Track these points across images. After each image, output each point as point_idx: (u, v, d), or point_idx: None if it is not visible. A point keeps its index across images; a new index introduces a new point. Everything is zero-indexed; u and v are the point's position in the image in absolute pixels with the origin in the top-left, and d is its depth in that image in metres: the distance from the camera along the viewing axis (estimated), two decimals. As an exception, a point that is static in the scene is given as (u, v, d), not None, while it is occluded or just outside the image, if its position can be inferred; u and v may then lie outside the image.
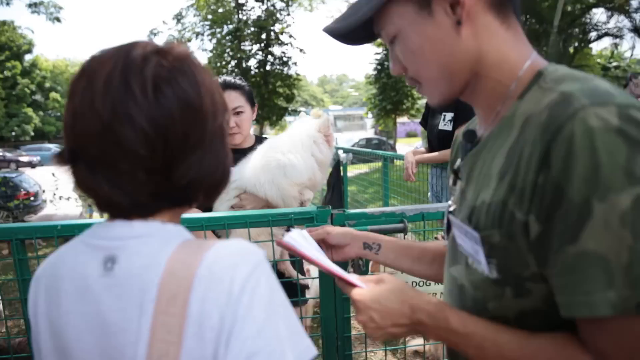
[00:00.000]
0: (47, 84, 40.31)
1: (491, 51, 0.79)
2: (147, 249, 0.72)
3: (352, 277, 0.88)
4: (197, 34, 17.91)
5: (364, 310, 0.82)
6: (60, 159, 0.73)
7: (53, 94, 40.33)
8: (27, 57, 40.51)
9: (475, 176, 0.84)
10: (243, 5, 17.75)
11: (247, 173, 1.99)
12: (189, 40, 17.85)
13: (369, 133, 40.65)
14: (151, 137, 0.69)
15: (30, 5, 15.08)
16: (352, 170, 8.13)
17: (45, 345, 0.77)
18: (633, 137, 0.60)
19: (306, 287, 2.30)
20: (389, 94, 21.79)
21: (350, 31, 0.87)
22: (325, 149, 1.98)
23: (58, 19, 15.76)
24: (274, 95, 18.40)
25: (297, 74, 19.30)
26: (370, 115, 26.63)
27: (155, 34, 18.07)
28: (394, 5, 0.82)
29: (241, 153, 2.19)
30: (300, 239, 1.09)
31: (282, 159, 1.93)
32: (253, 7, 17.88)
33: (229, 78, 2.23)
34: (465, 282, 0.84)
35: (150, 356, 0.66)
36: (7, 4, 14.53)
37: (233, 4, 17.70)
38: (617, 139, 0.60)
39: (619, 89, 0.68)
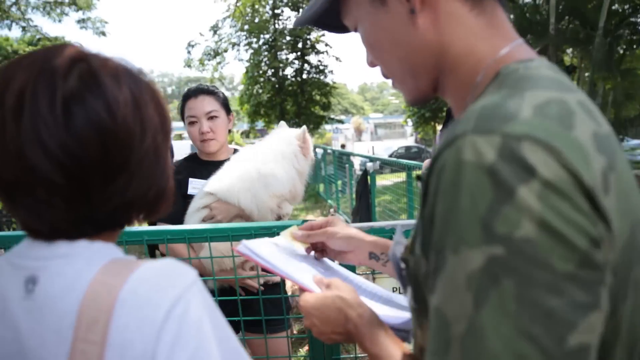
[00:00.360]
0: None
1: (455, 41, 0.67)
2: (70, 270, 0.66)
3: (306, 282, 0.90)
4: (234, 44, 18.23)
5: (307, 315, 0.85)
6: None
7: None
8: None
9: None
10: (279, 15, 17.98)
11: (220, 181, 1.89)
12: (225, 50, 18.22)
13: (409, 141, 40.15)
14: (65, 165, 0.63)
15: (78, 22, 15.80)
16: (390, 179, 7.99)
17: None
18: (504, 182, 0.47)
19: (291, 308, 2.20)
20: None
21: (315, 21, 0.81)
22: (302, 160, 1.90)
23: (104, 33, 16.42)
24: (310, 104, 18.50)
25: (334, 82, 19.33)
26: (409, 123, 26.32)
27: (192, 46, 18.55)
28: None
29: (217, 166, 2.06)
30: (261, 246, 1.04)
31: (263, 169, 1.84)
32: (289, 17, 18.09)
33: (202, 85, 2.21)
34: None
35: None
36: (60, 21, 15.33)
37: (269, 14, 17.96)
38: (485, 180, 0.47)
39: (549, 110, 0.52)
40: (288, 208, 1.92)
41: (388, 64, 0.76)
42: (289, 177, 1.86)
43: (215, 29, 18.41)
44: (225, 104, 2.20)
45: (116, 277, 0.64)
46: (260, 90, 18.13)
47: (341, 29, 0.84)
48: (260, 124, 19.73)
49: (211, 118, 2.12)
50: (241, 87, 20.10)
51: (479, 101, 0.58)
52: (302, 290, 0.90)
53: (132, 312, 0.62)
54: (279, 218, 1.89)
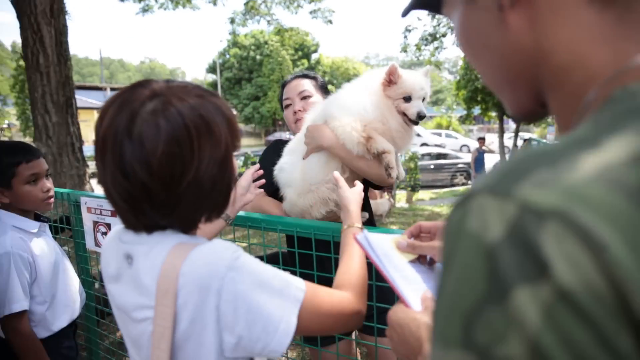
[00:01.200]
0: (327, 77, 46.47)
1: (560, 47, 0.49)
2: (151, 254, 0.93)
3: (406, 293, 0.88)
4: (452, 28, 17.59)
5: (390, 327, 0.87)
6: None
7: (330, 87, 46.25)
8: (314, 56, 47.41)
9: None
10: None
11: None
12: (444, 35, 17.70)
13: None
14: (128, 186, 0.88)
15: (310, 12, 17.31)
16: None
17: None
18: (500, 275, 0.33)
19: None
20: None
21: (421, 4, 0.70)
22: (393, 93, 1.82)
23: (331, 22, 17.72)
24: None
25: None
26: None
27: (409, 31, 18.56)
28: None
29: None
30: (380, 242, 1.03)
31: (339, 97, 1.88)
32: None
33: (300, 71, 2.23)
34: None
35: (154, 335, 0.89)
36: (296, 13, 17.15)
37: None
38: (480, 265, 0.35)
39: (631, 175, 0.33)
40: (383, 144, 1.74)
41: (481, 70, 0.62)
42: (374, 106, 1.77)
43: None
44: (322, 87, 2.18)
45: (178, 258, 0.89)
46: (480, 76, 17.13)
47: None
48: (477, 110, 18.77)
49: (304, 98, 2.10)
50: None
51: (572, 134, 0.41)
52: (400, 299, 0.89)
53: (191, 283, 0.87)
54: (377, 155, 1.77)
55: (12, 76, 26.93)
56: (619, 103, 0.42)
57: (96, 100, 42.85)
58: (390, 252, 1.01)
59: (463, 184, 16.17)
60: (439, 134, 26.18)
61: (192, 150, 0.87)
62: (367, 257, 1.00)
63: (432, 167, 16.43)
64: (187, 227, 0.98)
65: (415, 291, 0.89)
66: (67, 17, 6.08)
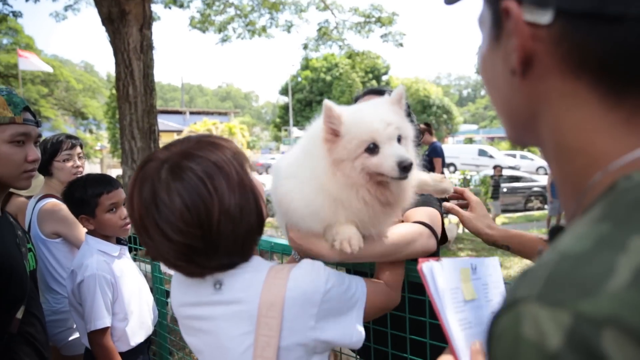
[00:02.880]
0: (396, 100, 46.20)
1: (564, 131, 0.52)
2: (246, 275, 1.09)
3: (458, 343, 0.83)
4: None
5: None
6: None
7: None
8: (384, 78, 47.52)
9: None
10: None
11: None
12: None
13: None
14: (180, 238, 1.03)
15: (382, 36, 17.46)
16: None
17: None
18: None
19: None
20: None
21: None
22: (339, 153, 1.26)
23: (401, 44, 17.74)
24: None
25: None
26: None
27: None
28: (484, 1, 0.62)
29: None
30: (445, 276, 0.91)
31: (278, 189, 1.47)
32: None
33: (376, 86, 1.95)
34: None
35: (257, 345, 1.01)
36: (367, 37, 17.36)
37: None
38: None
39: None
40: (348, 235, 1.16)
41: (490, 97, 0.64)
42: (318, 192, 1.13)
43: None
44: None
45: (281, 277, 1.05)
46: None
47: None
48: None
49: None
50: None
51: (564, 240, 0.44)
52: (449, 347, 0.88)
53: (297, 297, 1.02)
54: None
55: (105, 103, 29.50)
56: (626, 193, 0.44)
57: (176, 123, 45.71)
58: (457, 285, 0.96)
59: (538, 208, 15.31)
60: (514, 155, 25.05)
61: (209, 192, 0.99)
62: (427, 291, 0.92)
63: (505, 190, 15.77)
64: (246, 254, 1.11)
65: (467, 338, 0.87)
66: (153, 51, 6.65)
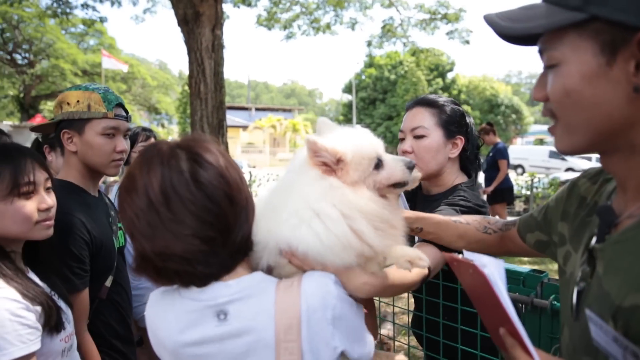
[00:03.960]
0: (462, 97, 44.94)
1: None
2: (253, 299, 0.97)
3: (529, 343, 0.80)
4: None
5: None
6: None
7: (465, 106, 44.61)
8: (449, 75, 46.29)
9: (621, 269, 0.76)
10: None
11: None
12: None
13: None
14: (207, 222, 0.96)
15: (447, 33, 17.04)
16: None
17: None
18: None
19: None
20: None
21: (513, 36, 0.82)
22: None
23: (468, 42, 17.24)
24: None
25: None
26: None
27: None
28: (573, 33, 0.74)
29: (426, 201, 1.82)
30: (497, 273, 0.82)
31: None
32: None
33: (428, 95, 1.82)
34: None
35: None
36: (432, 33, 17.05)
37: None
38: None
39: None
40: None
41: (571, 114, 0.76)
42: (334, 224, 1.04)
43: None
44: (448, 122, 1.72)
45: (293, 295, 0.95)
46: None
47: (508, 38, 0.83)
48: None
49: (417, 137, 1.72)
50: None
51: None
52: (525, 351, 0.80)
53: (312, 315, 0.94)
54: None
55: (177, 99, 31.05)
56: None
57: (242, 119, 47.15)
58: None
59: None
60: (589, 158, 23.61)
61: (228, 182, 0.98)
62: (490, 295, 0.80)
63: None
64: (240, 258, 1.02)
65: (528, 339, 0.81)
66: (223, 50, 7.00)
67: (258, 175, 13.38)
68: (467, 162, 1.83)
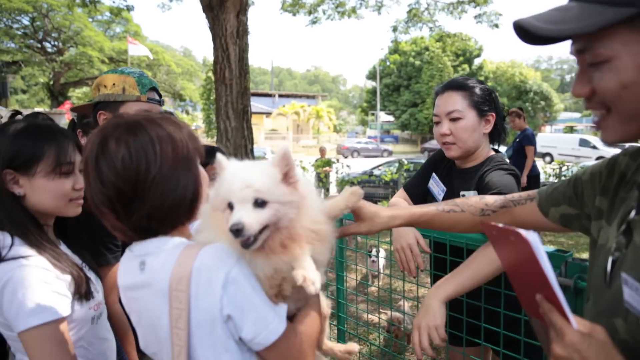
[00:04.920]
0: (489, 84, 43.86)
1: None
2: (162, 255, 1.10)
3: (568, 309, 0.80)
4: None
5: (569, 350, 0.79)
6: None
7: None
8: (476, 61, 45.36)
9: None
10: None
11: None
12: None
13: None
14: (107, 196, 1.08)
15: (475, 17, 16.70)
16: None
17: None
18: None
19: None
20: None
21: (552, 38, 0.82)
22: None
23: (497, 25, 16.84)
24: None
25: None
26: None
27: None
28: (623, 29, 0.78)
29: (461, 174, 1.97)
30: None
31: None
32: None
33: (456, 79, 1.95)
34: (629, 338, 0.84)
35: (172, 317, 1.04)
36: (459, 18, 16.71)
37: None
38: None
39: None
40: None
41: (628, 105, 0.82)
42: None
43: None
44: (478, 102, 1.88)
45: (191, 253, 1.05)
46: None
47: (532, 39, 0.85)
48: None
49: (453, 120, 1.88)
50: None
51: None
52: (563, 317, 0.81)
53: (204, 272, 1.02)
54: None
55: (201, 86, 31.31)
56: None
57: (266, 105, 47.31)
58: None
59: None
60: (622, 147, 22.86)
61: (155, 153, 1.06)
62: (534, 267, 0.80)
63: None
64: (165, 227, 1.12)
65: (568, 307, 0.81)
66: (248, 36, 6.99)
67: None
68: (496, 134, 1.99)
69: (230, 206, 1.05)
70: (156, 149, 1.06)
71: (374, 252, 5.01)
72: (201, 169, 1.19)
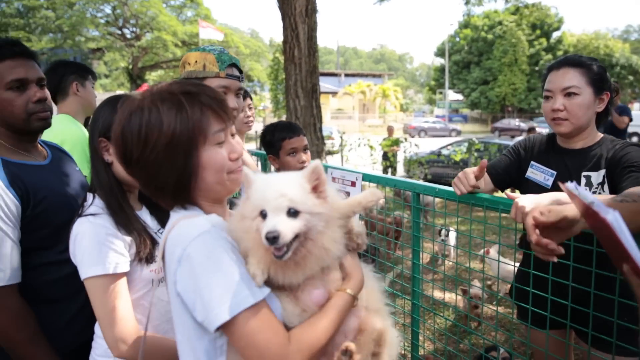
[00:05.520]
0: (570, 59, 40.92)
1: None
2: (169, 225, 1.16)
3: None
4: None
5: None
6: None
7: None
8: (555, 34, 42.36)
9: None
10: None
11: None
12: None
13: None
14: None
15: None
16: None
17: None
18: None
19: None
20: None
21: None
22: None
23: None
24: None
25: None
26: None
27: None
28: None
29: (570, 155, 1.91)
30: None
31: None
32: None
33: (572, 55, 1.95)
34: None
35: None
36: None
37: None
38: None
39: None
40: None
41: None
42: None
43: None
44: (596, 79, 1.88)
45: (173, 226, 1.11)
46: None
47: None
48: None
49: (568, 95, 1.87)
50: None
51: None
52: None
53: (170, 246, 1.08)
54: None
55: (269, 66, 31.79)
56: None
57: (332, 85, 47.23)
58: None
59: None
60: None
61: (140, 138, 1.09)
62: (615, 238, 0.78)
63: None
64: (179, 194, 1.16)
65: None
66: (317, 15, 6.98)
67: (348, 140, 13.42)
68: (603, 114, 1.96)
69: (263, 215, 1.06)
70: (141, 134, 1.09)
71: (443, 232, 4.92)
72: (234, 142, 1.20)
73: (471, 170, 1.83)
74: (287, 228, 1.01)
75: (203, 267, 1.02)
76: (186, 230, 1.06)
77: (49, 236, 1.49)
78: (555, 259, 1.22)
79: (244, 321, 0.99)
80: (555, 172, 1.93)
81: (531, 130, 14.91)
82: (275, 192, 1.06)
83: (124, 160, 1.13)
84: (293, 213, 1.04)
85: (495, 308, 2.28)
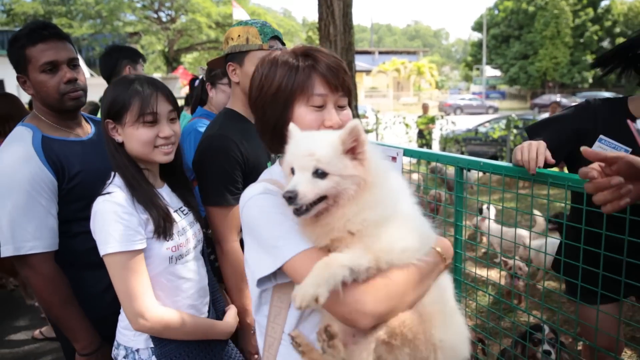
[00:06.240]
0: (617, 29, 38.76)
1: None
2: None
3: None
4: None
5: None
6: None
7: (621, 39, 38.41)
8: (603, 3, 40.08)
9: None
10: None
11: None
12: None
13: None
14: None
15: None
16: None
17: None
18: None
19: None
20: None
21: None
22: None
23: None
24: None
25: None
26: None
27: None
28: None
29: None
30: None
31: None
32: None
33: None
34: None
35: None
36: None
37: None
38: None
39: None
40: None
41: None
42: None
43: None
44: None
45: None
46: None
47: None
48: None
49: None
50: None
51: None
52: None
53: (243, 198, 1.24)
54: None
55: (302, 45, 31.55)
56: None
57: (365, 63, 46.56)
58: None
59: None
60: None
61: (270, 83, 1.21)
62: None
63: None
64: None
65: None
66: (352, -11, 6.85)
67: (383, 119, 13.28)
68: None
69: (293, 172, 1.05)
70: (260, 81, 1.27)
71: (484, 209, 4.83)
72: (334, 112, 1.22)
73: (540, 146, 1.70)
74: (308, 189, 1.00)
75: (259, 218, 1.17)
76: (254, 186, 1.23)
77: (86, 208, 1.58)
78: (624, 203, 1.18)
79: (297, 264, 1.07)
80: (629, 149, 1.72)
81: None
82: (305, 150, 1.04)
83: (250, 98, 1.29)
84: (320, 174, 1.02)
85: (538, 284, 2.24)
